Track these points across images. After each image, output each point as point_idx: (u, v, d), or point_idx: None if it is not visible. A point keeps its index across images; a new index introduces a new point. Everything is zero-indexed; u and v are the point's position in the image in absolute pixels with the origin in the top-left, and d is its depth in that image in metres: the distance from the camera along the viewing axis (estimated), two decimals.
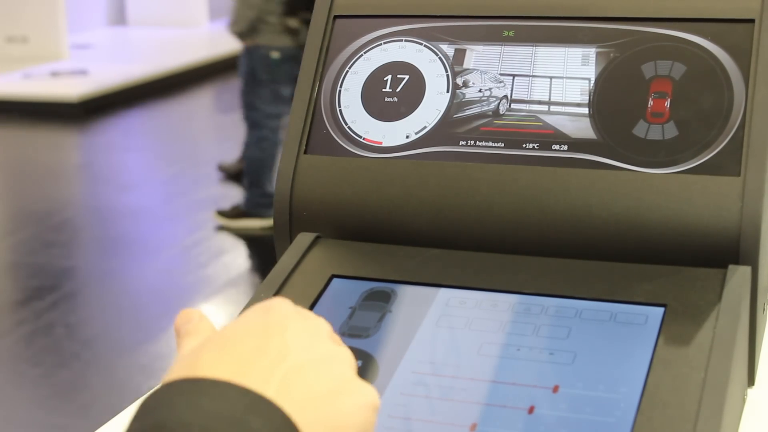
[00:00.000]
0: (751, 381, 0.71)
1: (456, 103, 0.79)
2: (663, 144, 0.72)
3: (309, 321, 0.51)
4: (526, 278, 0.70)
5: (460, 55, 0.80)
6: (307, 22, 2.17)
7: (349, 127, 0.80)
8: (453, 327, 0.67)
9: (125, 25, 9.32)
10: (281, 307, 0.51)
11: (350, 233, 0.78)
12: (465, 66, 0.79)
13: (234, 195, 4.55)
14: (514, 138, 0.76)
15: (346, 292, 0.72)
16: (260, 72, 3.92)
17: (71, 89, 6.21)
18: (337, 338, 0.52)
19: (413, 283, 0.71)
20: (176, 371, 0.46)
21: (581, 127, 0.75)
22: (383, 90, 0.81)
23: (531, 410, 0.60)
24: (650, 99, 0.74)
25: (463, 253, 0.74)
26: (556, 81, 0.76)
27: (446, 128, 0.78)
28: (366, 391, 0.49)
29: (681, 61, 0.74)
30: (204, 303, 3.50)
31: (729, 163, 0.70)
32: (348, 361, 0.50)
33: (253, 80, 3.95)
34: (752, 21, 0.73)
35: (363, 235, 0.77)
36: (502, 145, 0.76)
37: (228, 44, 8.27)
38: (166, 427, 0.43)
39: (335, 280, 0.73)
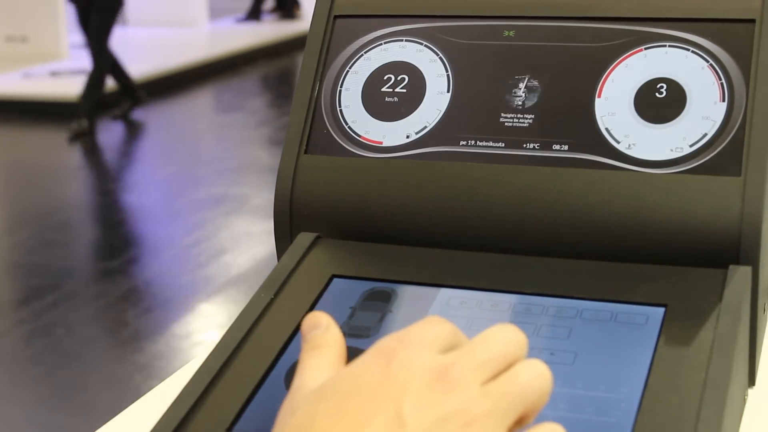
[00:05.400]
0: (751, 381, 0.71)
1: (457, 103, 0.78)
2: (663, 144, 0.72)
3: (438, 380, 0.44)
4: (526, 278, 0.70)
5: (460, 54, 0.80)
6: None
7: (349, 127, 0.80)
8: None
9: (125, 25, 9.32)
10: (406, 353, 0.45)
11: (350, 233, 0.78)
12: (466, 66, 0.79)
13: (234, 194, 4.55)
14: (514, 138, 0.76)
15: (346, 292, 0.71)
16: None
17: (71, 89, 6.20)
18: (490, 392, 0.45)
19: (414, 283, 0.71)
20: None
21: (582, 127, 0.75)
22: (383, 90, 0.81)
23: None
24: (651, 99, 0.74)
25: (464, 253, 0.74)
26: (557, 80, 0.76)
27: (447, 128, 0.78)
28: None
29: (681, 61, 0.74)
30: (204, 303, 3.50)
31: (730, 164, 0.70)
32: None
33: None
34: (753, 21, 0.73)
35: (363, 235, 0.77)
36: (503, 145, 0.76)
37: (228, 44, 8.28)
38: None
39: (335, 280, 0.73)
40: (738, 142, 0.71)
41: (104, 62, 5.85)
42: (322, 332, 0.50)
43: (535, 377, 0.47)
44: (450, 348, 0.47)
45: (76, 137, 5.71)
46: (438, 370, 0.45)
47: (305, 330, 0.51)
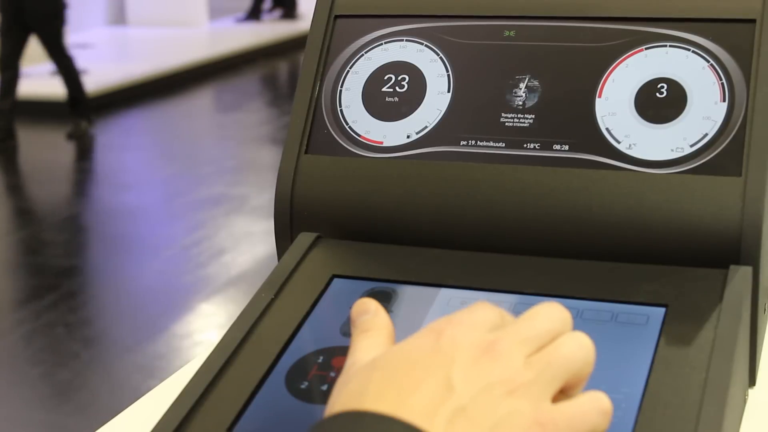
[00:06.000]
0: (752, 381, 0.71)
1: (457, 103, 0.78)
2: (664, 144, 0.72)
3: (485, 353, 0.47)
4: (526, 278, 0.70)
5: (461, 54, 0.80)
6: None
7: (349, 127, 0.80)
8: None
9: (125, 25, 9.32)
10: (454, 331, 0.48)
11: (351, 233, 0.78)
12: (466, 66, 0.79)
13: (234, 194, 4.55)
14: (515, 138, 0.76)
15: (346, 292, 0.71)
16: None
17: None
18: (533, 364, 0.47)
19: (414, 284, 0.71)
20: (344, 400, 0.46)
21: (582, 127, 0.75)
22: (384, 90, 0.81)
23: None
24: (652, 99, 0.74)
25: (464, 253, 0.74)
26: (557, 80, 0.76)
27: (447, 128, 0.78)
28: None
29: (682, 61, 0.74)
30: (204, 303, 3.50)
31: (730, 163, 0.70)
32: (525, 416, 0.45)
33: None
34: (753, 21, 0.73)
35: (364, 235, 0.77)
36: (503, 145, 0.76)
37: (228, 44, 8.28)
38: None
39: (336, 280, 0.73)
40: (738, 142, 0.71)
41: (69, 63, 5.87)
42: (372, 317, 0.52)
43: (577, 348, 0.49)
44: (497, 329, 0.49)
45: (75, 137, 5.72)
46: (484, 345, 0.47)
47: (355, 315, 0.53)
